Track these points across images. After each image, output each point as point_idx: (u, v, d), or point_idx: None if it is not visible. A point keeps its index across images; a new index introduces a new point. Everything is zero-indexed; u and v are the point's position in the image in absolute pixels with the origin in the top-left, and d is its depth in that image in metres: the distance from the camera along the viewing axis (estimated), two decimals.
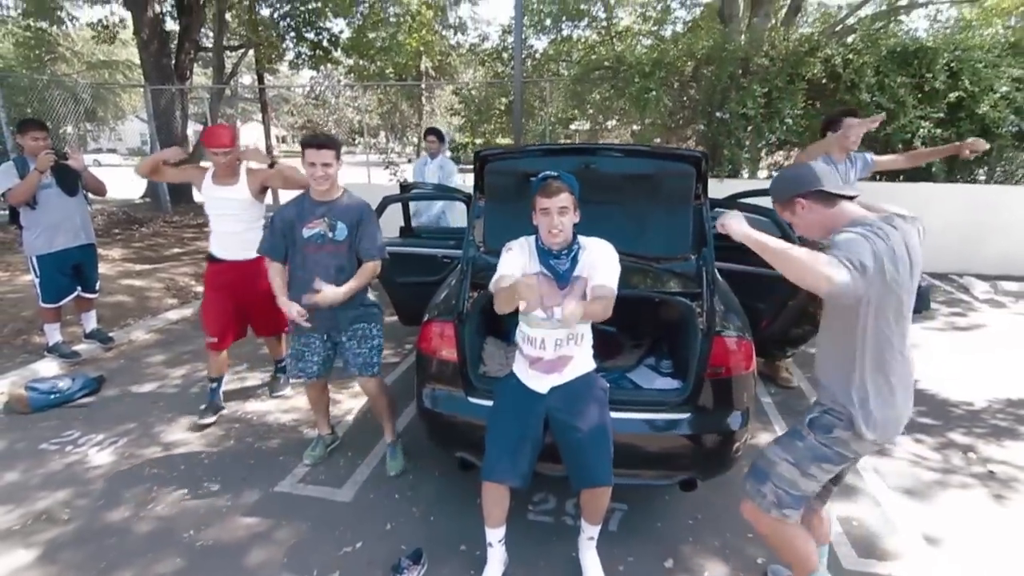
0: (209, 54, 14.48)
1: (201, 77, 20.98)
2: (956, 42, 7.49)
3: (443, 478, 2.97)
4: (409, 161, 18.40)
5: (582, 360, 2.30)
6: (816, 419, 1.83)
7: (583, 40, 16.00)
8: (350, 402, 3.87)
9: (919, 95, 7.32)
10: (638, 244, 2.61)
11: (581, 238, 2.24)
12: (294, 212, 2.74)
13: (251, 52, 15.50)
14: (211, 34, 13.54)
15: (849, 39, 8.52)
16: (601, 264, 2.19)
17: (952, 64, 7.27)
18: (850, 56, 7.57)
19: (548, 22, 15.56)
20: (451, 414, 2.50)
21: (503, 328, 3.16)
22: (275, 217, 2.78)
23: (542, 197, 2.12)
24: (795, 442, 1.86)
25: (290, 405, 3.82)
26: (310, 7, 14.32)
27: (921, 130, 7.10)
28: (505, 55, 14.93)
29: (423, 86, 16.14)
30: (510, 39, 14.89)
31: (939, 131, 7.14)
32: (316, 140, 2.62)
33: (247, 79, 22.43)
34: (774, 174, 8.80)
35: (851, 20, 13.09)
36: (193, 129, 13.57)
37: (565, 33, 16.07)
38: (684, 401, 2.37)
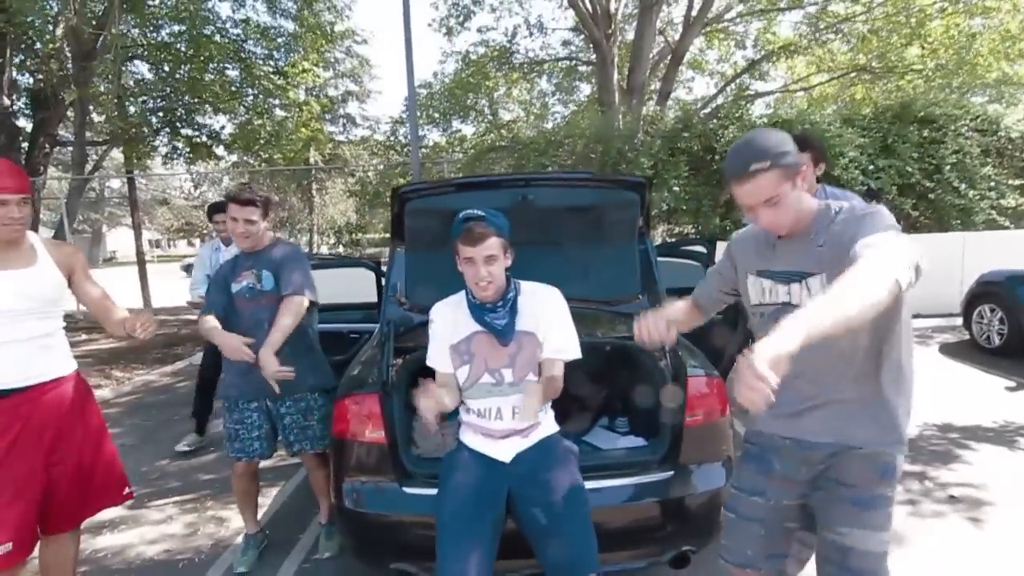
0: (70, 150, 13.23)
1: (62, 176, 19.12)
2: (805, 117, 8.52)
3: None
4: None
5: (546, 423, 1.95)
6: (893, 467, 1.41)
7: (473, 134, 16.76)
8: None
9: None
10: (583, 287, 2.31)
11: (520, 283, 1.94)
12: (229, 266, 2.53)
13: (118, 149, 14.37)
14: (73, 127, 12.41)
15: (714, 120, 9.50)
16: (553, 324, 1.90)
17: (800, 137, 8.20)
18: (719, 130, 8.35)
19: (437, 115, 16.11)
20: (381, 513, 1.96)
21: None
22: (215, 273, 2.58)
23: (464, 244, 1.80)
24: (887, 510, 1.41)
25: (159, 532, 2.98)
26: (186, 102, 13.67)
27: None
28: (399, 146, 15.10)
29: (314, 171, 15.72)
30: (402, 130, 15.16)
31: None
32: (241, 196, 2.38)
33: (116, 183, 20.73)
34: (667, 240, 9.28)
35: (706, 111, 14.83)
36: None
37: (455, 126, 16.72)
38: (663, 458, 2.02)
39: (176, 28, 12.23)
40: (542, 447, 1.89)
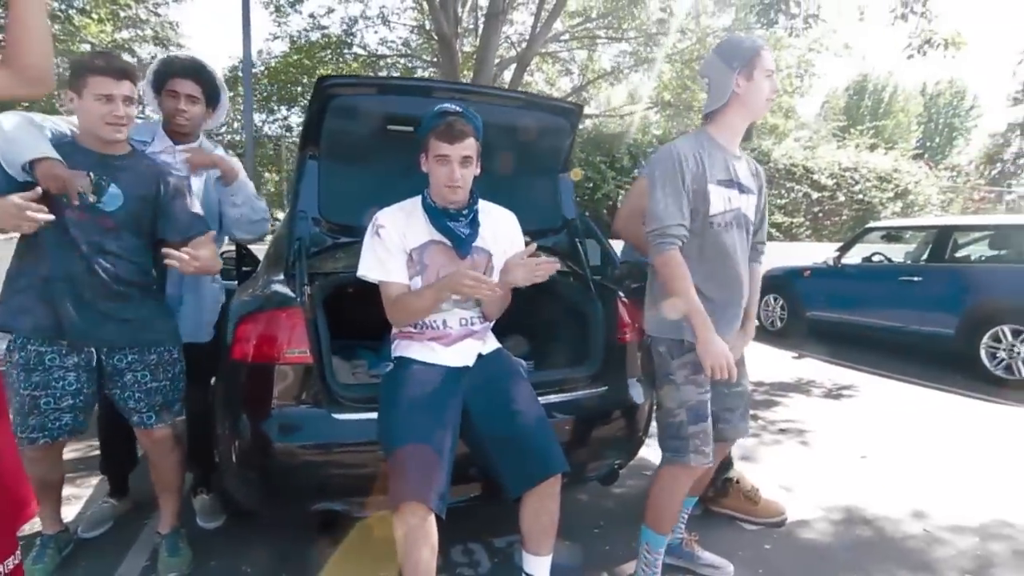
0: None
1: None
2: (632, 133, 9.60)
3: (285, 553, 2.00)
4: None
5: (491, 339, 1.89)
6: None
7: (301, 123, 15.72)
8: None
9: (613, 170, 9.04)
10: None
11: (480, 202, 1.82)
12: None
13: None
14: None
15: None
16: (515, 245, 1.85)
17: (632, 148, 9.23)
18: None
19: (259, 98, 14.75)
20: (308, 444, 1.68)
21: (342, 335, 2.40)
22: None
23: (441, 141, 1.64)
24: None
25: None
26: None
27: (620, 195, 8.71)
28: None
29: None
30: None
31: None
32: (114, 64, 1.71)
33: None
34: None
35: None
36: None
37: (282, 113, 15.54)
38: (595, 376, 2.06)
39: None
40: (494, 358, 1.82)
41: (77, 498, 2.54)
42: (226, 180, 2.15)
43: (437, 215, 1.71)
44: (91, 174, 1.75)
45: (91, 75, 1.69)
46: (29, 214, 1.51)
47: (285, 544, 2.13)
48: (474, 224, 1.75)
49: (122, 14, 11.39)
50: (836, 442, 3.36)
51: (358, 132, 2.00)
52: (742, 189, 1.77)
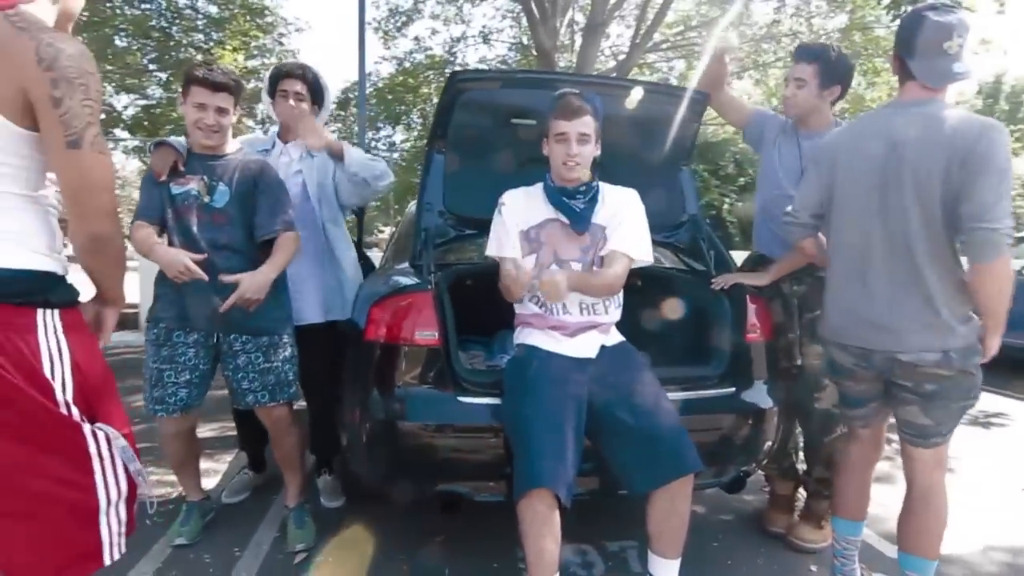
0: None
1: None
2: (734, 140, 9.20)
3: (401, 532, 2.05)
4: None
5: (615, 333, 1.86)
6: None
7: (404, 140, 16.66)
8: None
9: (717, 178, 8.71)
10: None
11: (602, 184, 1.84)
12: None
13: None
14: None
15: None
16: (626, 220, 1.81)
17: (737, 156, 8.85)
18: None
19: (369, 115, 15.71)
20: (434, 425, 1.72)
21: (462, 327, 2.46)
22: (147, 174, 2.04)
23: (559, 119, 1.70)
24: None
25: None
26: None
27: (725, 204, 8.36)
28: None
29: None
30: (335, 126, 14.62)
31: (740, 203, 8.49)
32: (211, 78, 1.88)
33: None
34: None
35: None
36: None
37: (385, 132, 16.50)
38: (723, 375, 1.95)
39: None
40: (618, 351, 1.78)
41: (215, 472, 2.77)
42: (335, 156, 2.25)
43: (554, 193, 1.77)
44: (204, 178, 1.95)
45: (193, 84, 1.89)
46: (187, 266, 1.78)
47: (402, 524, 2.19)
48: (592, 202, 1.77)
49: (252, 44, 12.56)
50: (989, 472, 2.96)
51: (485, 126, 2.04)
52: None
